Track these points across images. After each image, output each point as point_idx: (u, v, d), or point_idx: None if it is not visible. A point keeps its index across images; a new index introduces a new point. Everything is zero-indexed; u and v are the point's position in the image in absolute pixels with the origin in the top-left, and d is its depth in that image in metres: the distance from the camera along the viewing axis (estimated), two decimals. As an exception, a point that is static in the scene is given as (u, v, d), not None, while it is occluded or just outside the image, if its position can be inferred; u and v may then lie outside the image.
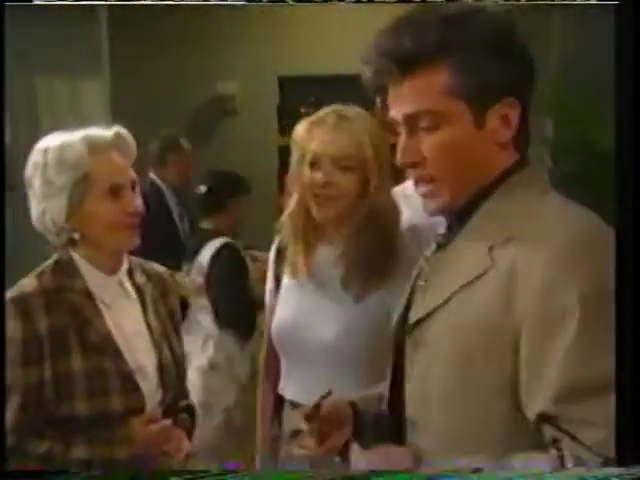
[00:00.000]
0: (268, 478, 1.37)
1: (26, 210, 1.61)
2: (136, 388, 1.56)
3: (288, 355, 1.83)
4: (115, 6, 4.19)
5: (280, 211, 1.90)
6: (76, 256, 1.60)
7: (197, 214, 3.20)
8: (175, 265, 3.60)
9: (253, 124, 5.15)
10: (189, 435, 1.68)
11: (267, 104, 5.23)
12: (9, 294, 1.52)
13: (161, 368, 1.63)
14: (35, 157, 1.57)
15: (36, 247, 1.72)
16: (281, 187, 3.22)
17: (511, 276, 1.07)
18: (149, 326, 1.65)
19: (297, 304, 1.81)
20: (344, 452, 1.35)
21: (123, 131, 1.63)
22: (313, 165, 1.72)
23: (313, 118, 1.75)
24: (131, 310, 1.64)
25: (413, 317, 1.22)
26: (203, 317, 2.99)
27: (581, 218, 1.11)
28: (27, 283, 1.56)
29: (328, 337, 1.72)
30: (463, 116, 1.13)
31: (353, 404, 1.38)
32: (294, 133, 1.77)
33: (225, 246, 2.96)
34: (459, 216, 1.20)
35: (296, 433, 1.33)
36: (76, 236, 1.58)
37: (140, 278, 1.69)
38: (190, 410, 1.76)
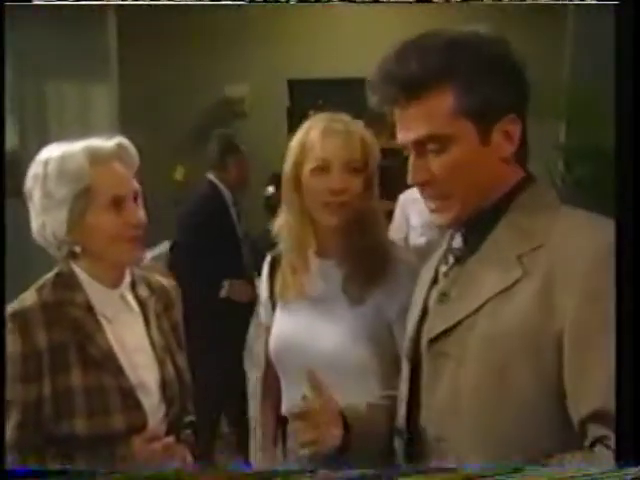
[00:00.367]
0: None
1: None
2: (138, 405, 1.53)
3: (288, 373, 1.78)
4: (123, 8, 4.17)
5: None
6: (77, 269, 1.56)
7: (264, 215, 3.23)
8: (234, 264, 3.71)
9: (262, 127, 5.12)
10: (193, 452, 1.64)
11: (276, 107, 5.20)
12: (9, 309, 1.48)
13: (164, 384, 1.60)
14: (35, 169, 1.54)
15: (45, 253, 1.68)
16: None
17: (548, 283, 1.11)
18: (152, 341, 1.62)
19: (293, 319, 1.77)
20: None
21: (125, 141, 1.60)
22: (321, 172, 1.67)
23: (320, 125, 1.70)
24: (133, 324, 1.61)
25: (433, 330, 1.25)
26: None
27: (606, 230, 1.14)
28: (27, 297, 1.53)
29: (327, 347, 1.68)
30: (469, 135, 1.19)
31: (342, 412, 1.39)
32: (301, 139, 1.72)
33: None
34: (477, 230, 1.25)
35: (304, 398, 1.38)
36: (77, 249, 1.55)
37: (143, 291, 1.65)
38: (194, 426, 1.72)
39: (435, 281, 1.33)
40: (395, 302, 1.66)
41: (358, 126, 1.73)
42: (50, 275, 1.57)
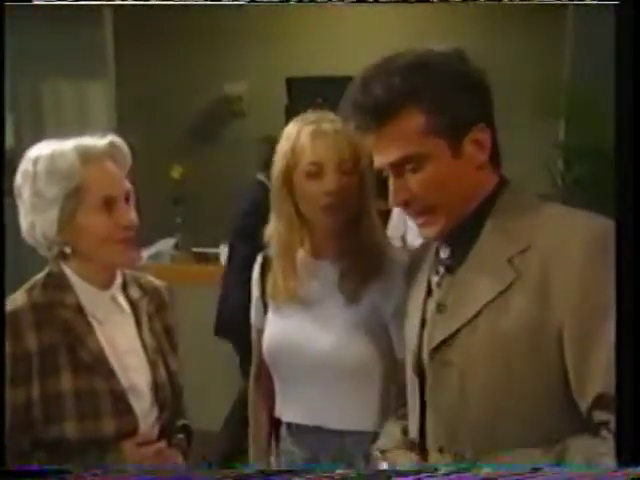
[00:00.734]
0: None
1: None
2: (129, 409, 1.50)
3: (283, 375, 1.76)
4: (120, 7, 4.14)
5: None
6: (68, 270, 1.53)
7: None
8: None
9: (261, 125, 5.09)
10: (185, 456, 1.62)
11: (275, 105, 5.18)
12: None
13: (156, 387, 1.57)
14: (25, 166, 1.50)
15: (35, 253, 1.65)
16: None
17: (543, 281, 1.15)
18: (143, 343, 1.59)
19: (288, 321, 1.74)
20: None
21: (117, 140, 1.56)
22: (315, 175, 1.64)
23: (309, 128, 1.67)
24: (125, 326, 1.58)
25: (434, 341, 1.28)
26: None
27: (590, 220, 1.19)
28: (17, 298, 1.50)
29: (323, 348, 1.66)
30: (442, 151, 1.23)
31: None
32: (289, 144, 1.67)
33: None
34: (463, 238, 1.28)
35: None
36: (68, 250, 1.51)
37: (135, 293, 1.62)
38: (187, 430, 1.70)
39: (429, 292, 1.36)
40: (390, 302, 1.65)
41: (346, 125, 1.70)
42: (40, 276, 1.54)
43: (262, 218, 1.68)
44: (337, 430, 1.67)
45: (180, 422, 1.68)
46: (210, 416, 3.48)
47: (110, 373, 1.50)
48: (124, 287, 1.61)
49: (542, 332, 1.15)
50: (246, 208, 3.80)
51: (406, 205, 1.28)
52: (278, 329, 1.76)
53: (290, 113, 1.76)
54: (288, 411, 1.76)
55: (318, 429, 1.68)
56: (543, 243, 1.18)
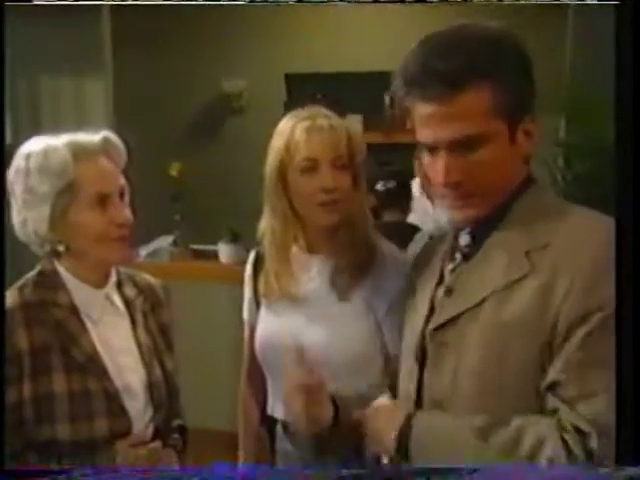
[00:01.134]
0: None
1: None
2: (122, 409, 1.48)
3: (276, 372, 1.74)
4: (118, 3, 4.12)
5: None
6: (60, 268, 1.51)
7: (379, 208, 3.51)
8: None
9: (260, 122, 5.06)
10: (181, 457, 1.60)
11: (274, 102, 5.14)
12: None
13: (150, 387, 1.55)
14: (17, 162, 1.48)
15: (28, 250, 1.63)
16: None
17: (551, 280, 1.14)
18: (138, 342, 1.56)
19: (280, 318, 1.73)
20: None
21: (111, 135, 1.54)
22: (310, 171, 1.62)
23: (303, 124, 1.65)
24: (119, 325, 1.55)
25: (435, 322, 1.28)
26: None
27: (609, 228, 1.15)
28: (8, 296, 1.47)
29: (316, 345, 1.64)
30: (502, 134, 1.20)
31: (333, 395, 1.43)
32: (284, 140, 1.65)
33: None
34: (485, 226, 1.26)
35: None
36: (60, 248, 1.49)
37: (130, 291, 1.60)
38: (182, 430, 1.67)
39: (441, 280, 1.34)
40: (383, 299, 1.64)
41: (340, 121, 1.69)
42: (32, 274, 1.52)
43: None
44: None
45: (175, 422, 1.65)
46: (209, 415, 3.46)
47: (104, 373, 1.48)
48: (119, 285, 1.58)
49: (536, 329, 1.14)
50: None
51: (456, 186, 1.22)
52: (270, 326, 1.75)
53: (289, 110, 1.74)
54: (280, 408, 1.74)
55: None
56: (560, 244, 1.17)
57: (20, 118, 4.24)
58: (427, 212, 3.35)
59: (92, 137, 1.51)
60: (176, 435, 1.63)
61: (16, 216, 1.49)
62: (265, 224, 1.73)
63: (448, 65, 1.16)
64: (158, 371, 1.58)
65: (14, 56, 3.74)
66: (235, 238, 4.04)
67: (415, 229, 3.18)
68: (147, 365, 1.56)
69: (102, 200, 1.47)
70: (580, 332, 1.10)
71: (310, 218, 1.67)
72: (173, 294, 1.74)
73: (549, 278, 1.15)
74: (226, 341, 3.72)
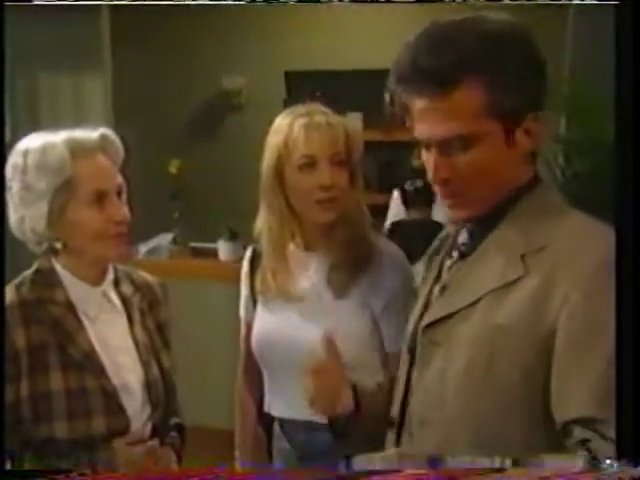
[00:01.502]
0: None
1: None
2: (120, 408, 1.47)
3: (272, 369, 1.75)
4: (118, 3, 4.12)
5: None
6: (58, 266, 1.50)
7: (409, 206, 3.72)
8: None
9: (259, 119, 5.05)
10: (179, 455, 1.59)
11: (274, 99, 5.13)
12: None
13: (148, 385, 1.54)
14: (14, 159, 1.47)
15: (25, 247, 1.62)
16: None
17: (548, 285, 1.11)
18: (135, 340, 1.56)
19: (277, 315, 1.73)
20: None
21: (109, 133, 1.53)
22: (308, 169, 1.61)
23: (301, 121, 1.64)
24: (116, 323, 1.55)
25: (428, 319, 1.26)
26: None
27: (608, 234, 1.12)
28: (5, 294, 1.46)
29: (313, 343, 1.64)
30: (496, 135, 1.16)
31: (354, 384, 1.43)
32: (282, 137, 1.65)
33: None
34: (483, 225, 1.24)
35: None
36: (58, 245, 1.48)
37: (127, 289, 1.59)
38: (180, 429, 1.67)
39: (439, 276, 1.33)
40: (380, 297, 1.64)
41: (338, 118, 1.69)
42: (29, 271, 1.51)
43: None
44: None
45: (173, 420, 1.65)
46: (207, 413, 3.46)
47: (101, 371, 1.47)
48: (116, 283, 1.58)
49: (532, 335, 1.11)
50: None
51: (445, 183, 1.20)
52: (267, 323, 1.74)
53: (289, 107, 1.74)
54: (277, 405, 1.75)
55: (309, 424, 1.66)
56: (559, 247, 1.14)
57: (19, 116, 4.23)
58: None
59: (90, 134, 1.50)
60: (174, 433, 1.63)
61: (13, 214, 1.48)
62: (262, 221, 1.72)
63: (437, 62, 1.13)
64: (155, 369, 1.57)
65: (14, 54, 3.72)
66: (234, 236, 4.04)
67: (441, 226, 3.22)
68: (144, 363, 1.55)
69: (100, 197, 1.47)
70: (600, 352, 1.05)
71: (307, 215, 1.66)
72: (172, 292, 1.73)
73: (544, 284, 1.12)
74: (224, 339, 3.71)
